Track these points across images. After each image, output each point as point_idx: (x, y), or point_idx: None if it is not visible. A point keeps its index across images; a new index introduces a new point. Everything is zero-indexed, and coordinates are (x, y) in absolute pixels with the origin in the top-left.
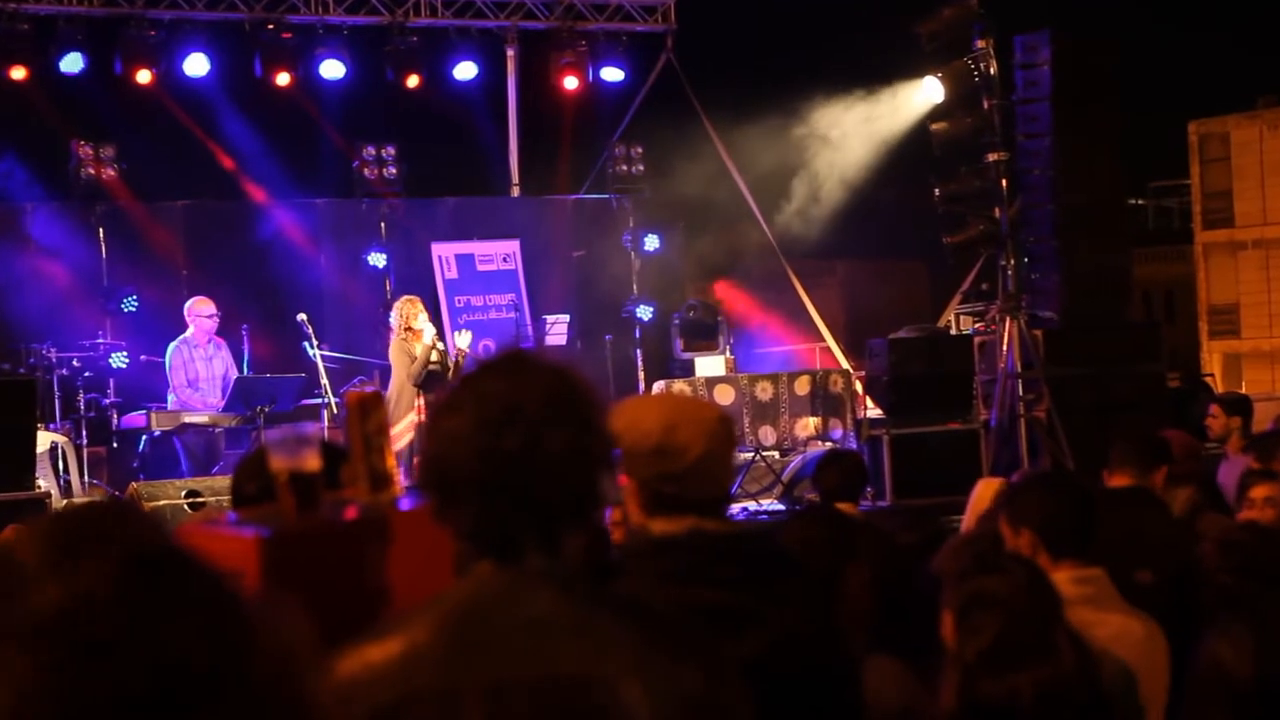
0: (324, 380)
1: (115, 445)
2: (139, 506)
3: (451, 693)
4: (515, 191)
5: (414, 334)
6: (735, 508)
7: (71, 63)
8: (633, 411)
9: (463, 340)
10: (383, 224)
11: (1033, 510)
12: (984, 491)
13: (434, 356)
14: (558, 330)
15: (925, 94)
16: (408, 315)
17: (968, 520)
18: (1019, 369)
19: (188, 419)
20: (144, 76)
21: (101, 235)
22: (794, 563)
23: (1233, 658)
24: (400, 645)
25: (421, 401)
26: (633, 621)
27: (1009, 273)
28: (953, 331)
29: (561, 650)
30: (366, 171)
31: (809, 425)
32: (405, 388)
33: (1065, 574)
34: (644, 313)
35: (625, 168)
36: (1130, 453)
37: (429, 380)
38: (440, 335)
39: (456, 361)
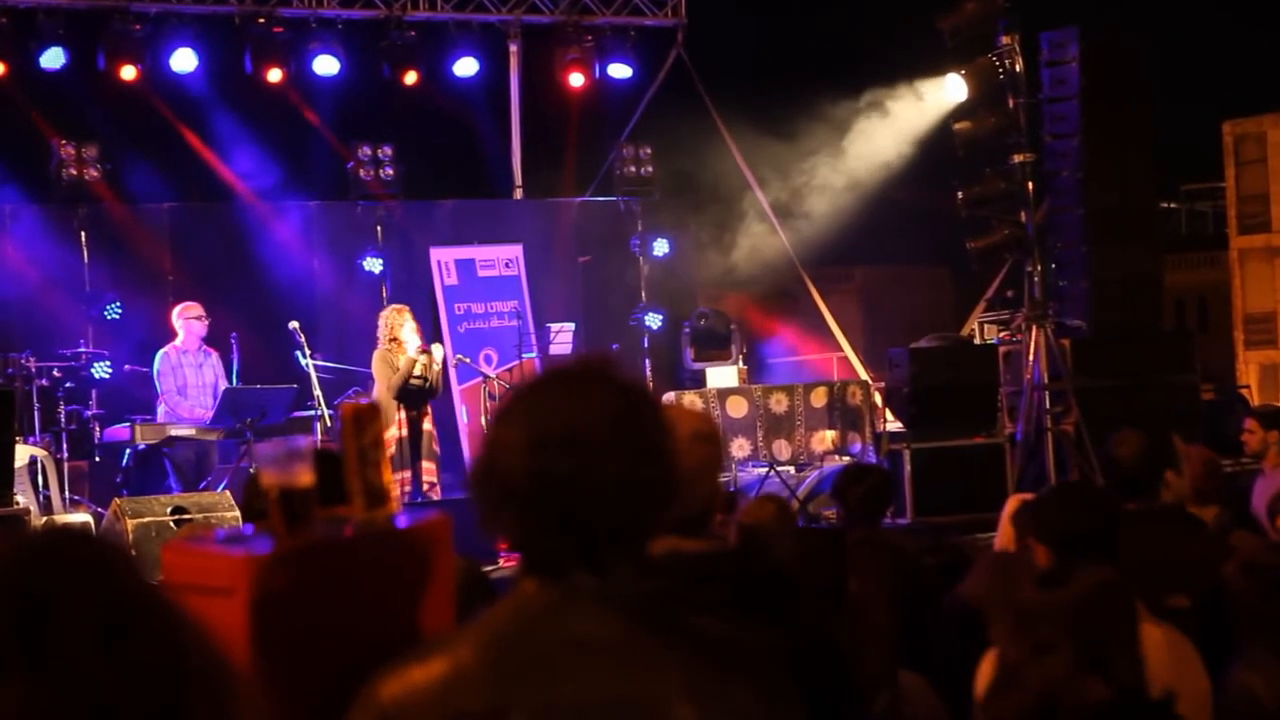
0: (317, 391)
1: (98, 459)
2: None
3: (498, 714)
4: (518, 194)
5: (398, 345)
6: None
7: (52, 58)
8: None
9: (437, 354)
10: (379, 227)
11: (1048, 524)
12: (1012, 509)
13: (418, 370)
14: (563, 339)
15: (948, 92)
16: (393, 325)
17: (1000, 538)
18: (1046, 380)
19: (174, 432)
20: (129, 73)
21: (83, 239)
22: (783, 580)
23: (1263, 687)
24: (444, 666)
25: (403, 415)
26: (683, 641)
27: (1035, 279)
28: (976, 341)
29: (611, 671)
30: (362, 172)
31: (826, 439)
32: (386, 400)
33: None
34: (653, 321)
35: (633, 169)
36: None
37: (412, 395)
38: (428, 346)
39: (434, 377)
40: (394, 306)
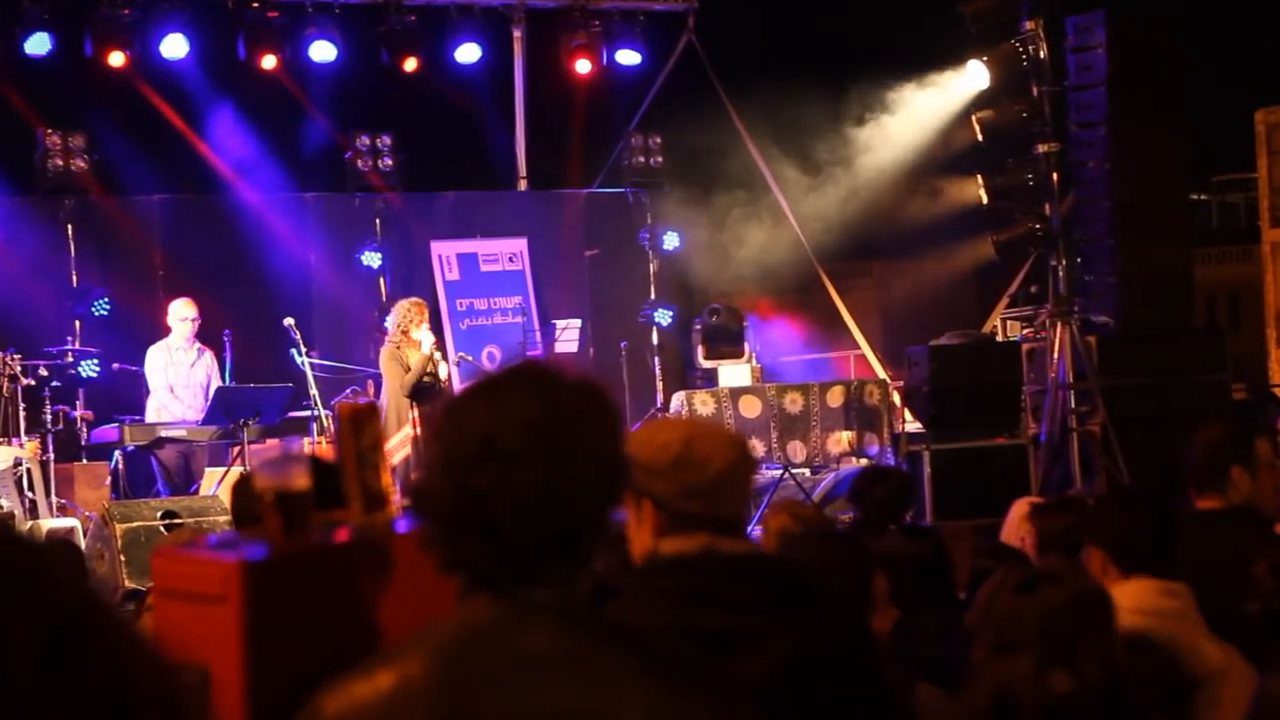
0: (313, 391)
1: (85, 461)
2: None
3: None
4: (522, 185)
5: (410, 341)
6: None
7: (37, 44)
8: (648, 429)
9: (426, 341)
10: (378, 220)
11: (1101, 526)
12: (1019, 511)
13: (430, 369)
14: (568, 336)
15: (970, 80)
16: (409, 320)
17: (1008, 539)
18: (1071, 379)
19: (164, 433)
20: (117, 59)
21: (70, 232)
22: (812, 583)
23: None
24: (390, 680)
25: (416, 414)
26: (636, 654)
27: (1060, 274)
28: (999, 338)
29: (560, 685)
30: (360, 163)
31: (842, 440)
32: (398, 399)
33: (1149, 584)
34: (663, 317)
35: (642, 159)
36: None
37: (422, 392)
38: (440, 343)
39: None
40: (413, 300)
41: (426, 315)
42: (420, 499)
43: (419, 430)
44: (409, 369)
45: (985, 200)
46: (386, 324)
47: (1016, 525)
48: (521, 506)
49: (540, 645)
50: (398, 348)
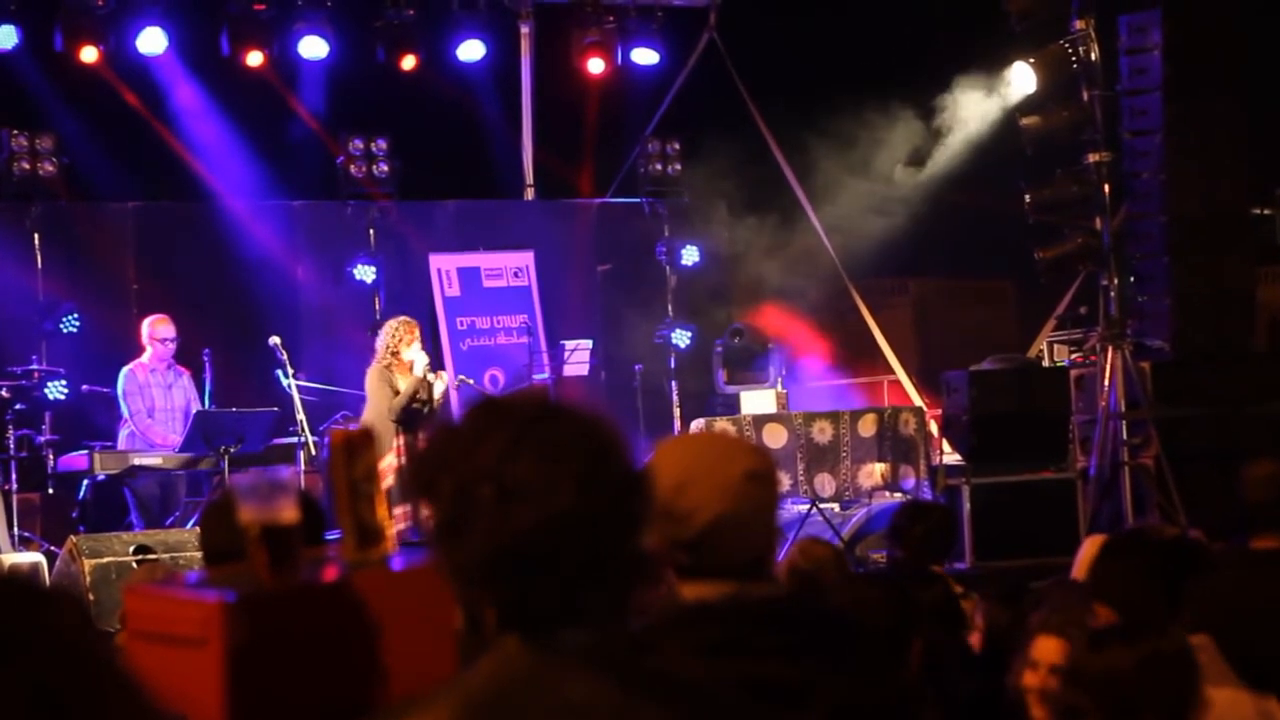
0: (300, 415)
1: (51, 491)
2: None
3: None
4: (529, 194)
5: (400, 363)
6: None
7: (3, 38)
8: (662, 456)
9: (438, 388)
10: (372, 231)
11: (1105, 581)
12: (1092, 551)
13: (422, 394)
14: (578, 358)
15: (1015, 83)
16: (400, 339)
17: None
18: (1123, 408)
19: (138, 461)
20: (89, 54)
21: (37, 241)
22: (850, 626)
23: None
24: None
25: (401, 441)
26: (681, 706)
27: (1112, 294)
28: (1045, 363)
29: None
30: (353, 168)
31: (875, 473)
32: (383, 424)
33: None
34: (681, 338)
35: (660, 167)
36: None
37: (412, 418)
38: (439, 364)
39: (435, 400)
40: (405, 319)
41: (418, 335)
42: (457, 533)
43: (402, 459)
44: (398, 392)
45: (1031, 214)
46: (377, 341)
47: (1087, 565)
48: (581, 546)
49: (580, 696)
50: (387, 368)
